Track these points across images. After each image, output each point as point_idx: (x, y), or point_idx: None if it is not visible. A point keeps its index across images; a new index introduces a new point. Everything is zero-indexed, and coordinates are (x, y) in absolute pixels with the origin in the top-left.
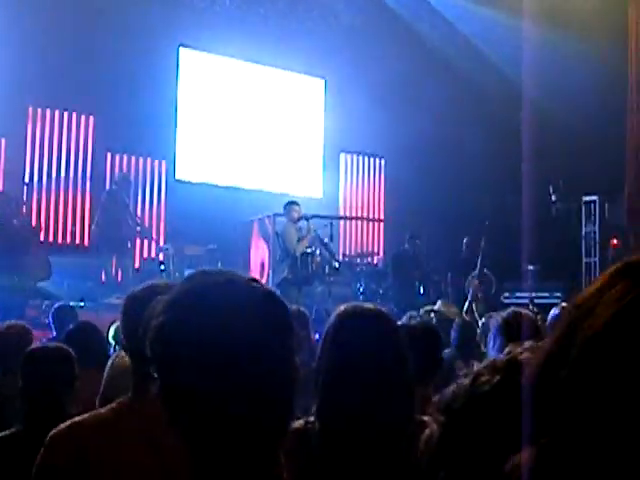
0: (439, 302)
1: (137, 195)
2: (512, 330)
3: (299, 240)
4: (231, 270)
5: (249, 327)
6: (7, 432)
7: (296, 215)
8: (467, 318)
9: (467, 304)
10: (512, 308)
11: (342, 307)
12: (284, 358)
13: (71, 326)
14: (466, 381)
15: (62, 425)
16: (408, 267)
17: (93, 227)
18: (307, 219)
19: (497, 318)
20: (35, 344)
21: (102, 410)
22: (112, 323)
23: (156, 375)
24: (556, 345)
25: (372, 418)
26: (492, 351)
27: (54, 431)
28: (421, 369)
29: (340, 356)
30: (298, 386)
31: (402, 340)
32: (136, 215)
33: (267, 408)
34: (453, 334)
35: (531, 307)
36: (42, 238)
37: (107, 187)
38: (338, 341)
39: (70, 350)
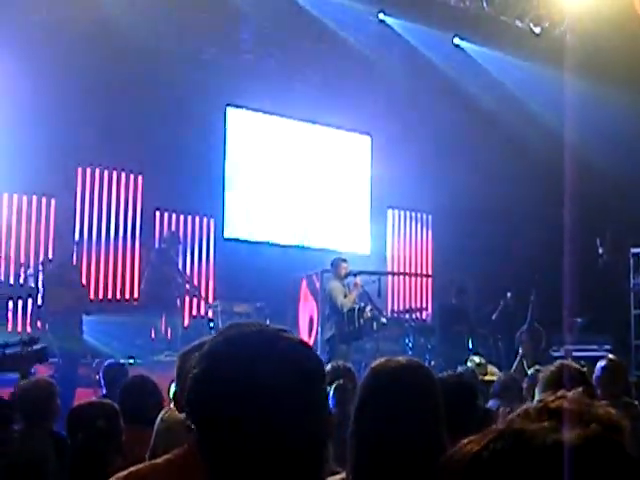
0: (471, 359)
1: (186, 253)
2: (559, 382)
3: (346, 296)
4: (261, 322)
5: (280, 376)
6: None
7: (343, 271)
8: (515, 375)
9: (517, 360)
10: (559, 361)
11: (376, 361)
12: (314, 407)
13: (127, 379)
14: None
15: (120, 474)
16: (455, 321)
17: (142, 285)
18: (354, 275)
19: (544, 371)
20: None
21: (159, 460)
22: (172, 382)
23: (192, 424)
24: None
25: (407, 473)
26: None
27: None
28: (458, 423)
29: (377, 413)
30: (329, 435)
31: (437, 390)
32: (185, 273)
33: (297, 456)
34: (496, 387)
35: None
36: (92, 296)
37: (156, 245)
38: (373, 402)
39: (115, 405)
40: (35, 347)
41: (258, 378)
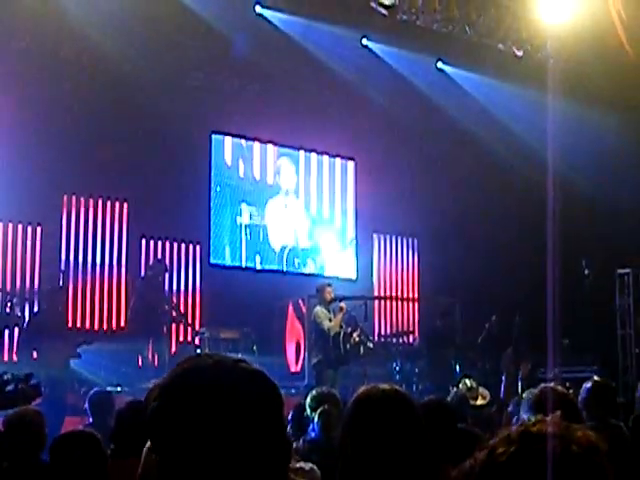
0: (463, 381)
1: (172, 279)
2: (542, 405)
3: (331, 320)
4: (221, 354)
5: (236, 407)
6: None
7: (329, 296)
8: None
9: (503, 385)
10: (543, 384)
11: (360, 390)
12: (271, 435)
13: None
14: (483, 453)
15: None
16: (442, 345)
17: (129, 313)
18: (340, 300)
19: (529, 395)
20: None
21: None
22: None
23: (155, 454)
24: None
25: None
26: None
27: None
28: (438, 446)
29: (358, 444)
30: (287, 461)
31: (419, 418)
32: (172, 300)
33: None
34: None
35: (566, 383)
36: (79, 324)
37: (142, 273)
38: (355, 430)
39: (96, 435)
40: (31, 383)
41: (214, 409)
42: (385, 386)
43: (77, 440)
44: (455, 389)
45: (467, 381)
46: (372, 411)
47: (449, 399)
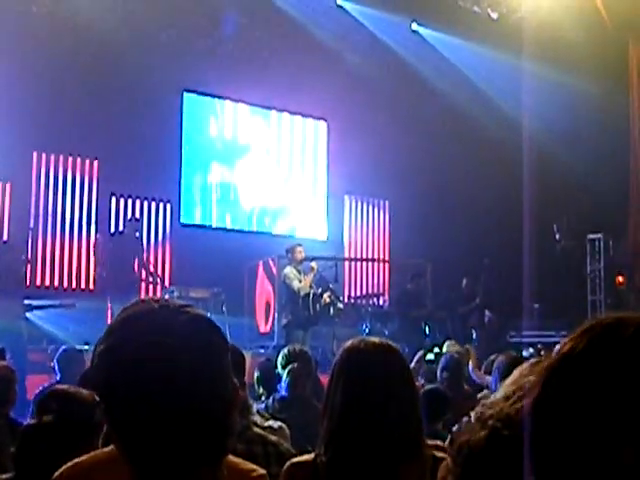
0: (447, 343)
1: (142, 238)
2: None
3: (301, 282)
4: (169, 298)
5: (179, 349)
6: (3, 476)
7: (299, 256)
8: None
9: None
10: (510, 352)
11: (349, 341)
12: (215, 378)
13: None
14: (482, 433)
15: (66, 465)
16: (412, 307)
17: (100, 270)
18: (311, 260)
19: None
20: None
21: (104, 450)
22: None
23: (99, 400)
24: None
25: (380, 451)
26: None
27: (57, 474)
28: (432, 407)
29: (348, 390)
30: (234, 404)
31: (410, 373)
32: (144, 258)
33: (200, 427)
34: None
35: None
36: (47, 282)
37: (112, 229)
38: (346, 375)
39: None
40: None
41: (159, 352)
42: (376, 339)
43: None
44: (450, 354)
45: (452, 343)
46: (363, 359)
47: (441, 365)
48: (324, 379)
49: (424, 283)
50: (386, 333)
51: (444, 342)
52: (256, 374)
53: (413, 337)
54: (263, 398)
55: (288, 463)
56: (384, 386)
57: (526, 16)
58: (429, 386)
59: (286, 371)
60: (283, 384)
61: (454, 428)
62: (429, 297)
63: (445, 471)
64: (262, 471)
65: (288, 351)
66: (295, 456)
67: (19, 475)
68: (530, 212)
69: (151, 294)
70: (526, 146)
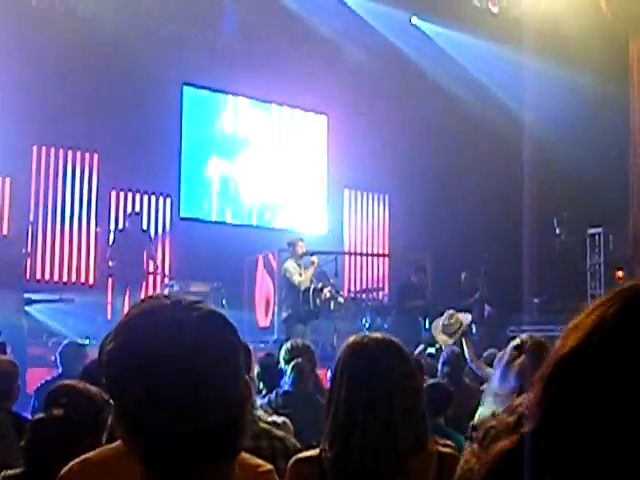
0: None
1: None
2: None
3: (301, 275)
4: (179, 295)
5: (193, 347)
6: (11, 472)
7: (300, 251)
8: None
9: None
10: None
11: (352, 337)
12: (228, 376)
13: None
14: (510, 419)
15: (75, 461)
16: (412, 299)
17: (100, 264)
18: (311, 254)
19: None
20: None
21: (112, 446)
22: None
23: (110, 399)
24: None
25: (385, 446)
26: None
27: (66, 469)
28: (434, 401)
29: (353, 386)
30: (247, 403)
31: (414, 368)
32: (150, 252)
33: (214, 425)
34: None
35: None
36: (47, 276)
37: (113, 225)
38: (350, 371)
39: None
40: None
41: (172, 349)
42: (378, 334)
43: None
44: (447, 348)
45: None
46: (368, 355)
47: (442, 359)
48: (323, 373)
49: (425, 277)
50: (386, 327)
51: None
52: (256, 369)
53: (411, 331)
54: (264, 393)
55: (293, 459)
56: (388, 381)
57: (527, 10)
58: (431, 381)
59: (290, 366)
60: (287, 379)
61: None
62: (429, 291)
63: (470, 455)
64: (269, 466)
65: (291, 346)
66: (301, 451)
67: (28, 467)
68: (530, 206)
69: (153, 288)
70: (526, 140)
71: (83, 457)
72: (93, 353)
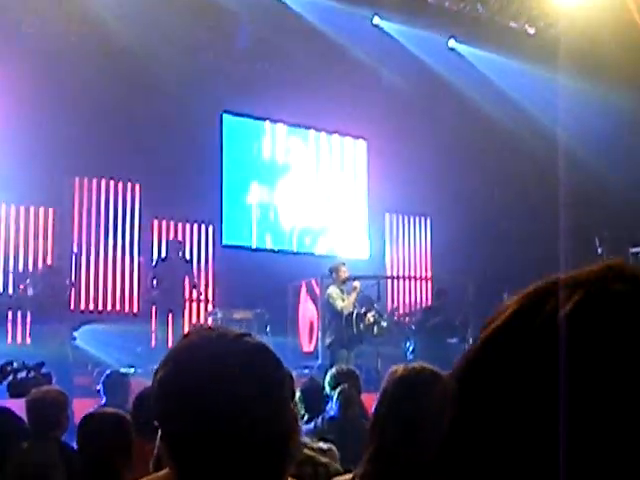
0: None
1: (192, 260)
2: None
3: (344, 300)
4: (228, 327)
5: (239, 379)
6: None
7: (343, 276)
8: None
9: None
10: None
11: (395, 367)
12: (274, 409)
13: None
14: None
15: None
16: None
17: (145, 294)
18: (353, 279)
19: None
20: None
21: (160, 473)
22: None
23: (159, 429)
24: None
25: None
26: None
27: None
28: None
29: (400, 427)
30: (294, 434)
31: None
32: (191, 280)
33: (259, 455)
34: None
35: None
36: (92, 306)
37: (155, 254)
38: (396, 410)
39: (126, 415)
40: (42, 371)
41: (218, 382)
42: (426, 365)
43: (109, 420)
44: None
45: None
46: (417, 390)
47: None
48: (368, 398)
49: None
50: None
51: None
52: (297, 394)
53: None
54: (306, 419)
55: None
56: (436, 423)
57: (563, 30)
58: None
59: (337, 392)
60: (333, 405)
61: None
62: (468, 314)
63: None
64: None
65: (337, 371)
66: (348, 472)
67: None
68: (570, 225)
69: (194, 317)
70: (564, 159)
71: None
72: (137, 382)
